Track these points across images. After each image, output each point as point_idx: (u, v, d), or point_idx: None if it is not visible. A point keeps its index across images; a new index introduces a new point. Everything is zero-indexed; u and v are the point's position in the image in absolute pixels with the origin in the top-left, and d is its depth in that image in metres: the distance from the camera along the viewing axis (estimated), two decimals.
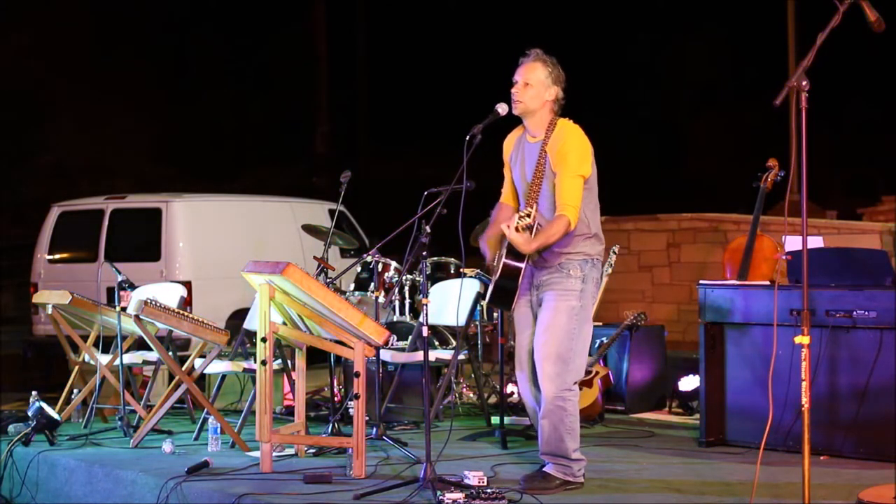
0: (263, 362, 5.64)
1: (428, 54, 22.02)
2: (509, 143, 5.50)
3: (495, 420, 6.91)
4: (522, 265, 5.17)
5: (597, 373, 7.27)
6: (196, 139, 21.62)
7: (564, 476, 5.21)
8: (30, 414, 6.77)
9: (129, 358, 7.36)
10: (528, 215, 5.02)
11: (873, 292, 5.76)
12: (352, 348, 5.61)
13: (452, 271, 7.97)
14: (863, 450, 5.76)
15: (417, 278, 7.61)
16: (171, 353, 7.12)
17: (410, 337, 7.36)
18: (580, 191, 5.18)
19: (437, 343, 7.88)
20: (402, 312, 7.79)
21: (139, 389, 7.82)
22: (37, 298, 7.96)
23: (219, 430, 6.45)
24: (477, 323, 7.86)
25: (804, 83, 4.27)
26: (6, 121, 19.16)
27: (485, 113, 5.36)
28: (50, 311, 7.33)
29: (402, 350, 7.25)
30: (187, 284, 9.01)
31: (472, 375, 7.61)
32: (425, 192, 6.52)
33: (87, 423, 7.25)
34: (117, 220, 10.27)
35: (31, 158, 20.47)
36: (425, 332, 5.37)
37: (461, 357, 7.10)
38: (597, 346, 7.55)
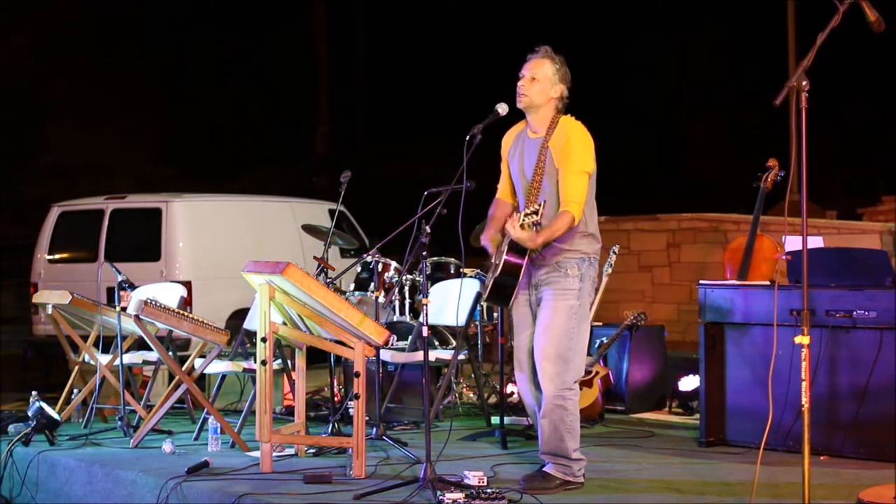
0: (263, 362, 5.64)
1: (428, 54, 22.02)
2: (508, 139, 5.51)
3: (495, 420, 6.91)
4: (523, 262, 5.17)
5: (597, 373, 7.27)
6: (196, 139, 21.62)
7: (564, 476, 5.21)
8: (30, 414, 6.77)
9: (129, 358, 7.36)
10: (536, 212, 5.00)
11: (873, 292, 5.76)
12: (352, 348, 5.61)
13: (452, 271, 7.97)
14: (863, 450, 5.76)
15: (417, 278, 7.61)
16: (171, 353, 7.12)
17: (410, 337, 7.36)
18: (585, 187, 5.19)
19: (437, 343, 7.88)
20: (402, 312, 7.79)
21: (139, 389, 7.81)
22: (37, 298, 7.96)
23: (219, 430, 6.45)
24: (477, 323, 7.86)
25: (804, 83, 4.28)
26: (6, 121, 19.16)
27: (485, 113, 5.36)
28: (50, 311, 7.34)
29: (402, 350, 7.25)
30: (187, 284, 9.01)
31: (472, 375, 7.61)
32: (425, 192, 6.52)
33: (87, 423, 7.26)
34: (117, 220, 10.27)
35: (31, 158, 20.47)
36: (425, 332, 5.38)
37: (461, 357, 7.10)
38: (597, 346, 7.55)
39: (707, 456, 6.10)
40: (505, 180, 5.55)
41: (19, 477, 6.46)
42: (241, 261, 6.10)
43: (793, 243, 6.44)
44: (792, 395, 5.38)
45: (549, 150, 5.22)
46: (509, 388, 7.49)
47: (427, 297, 5.47)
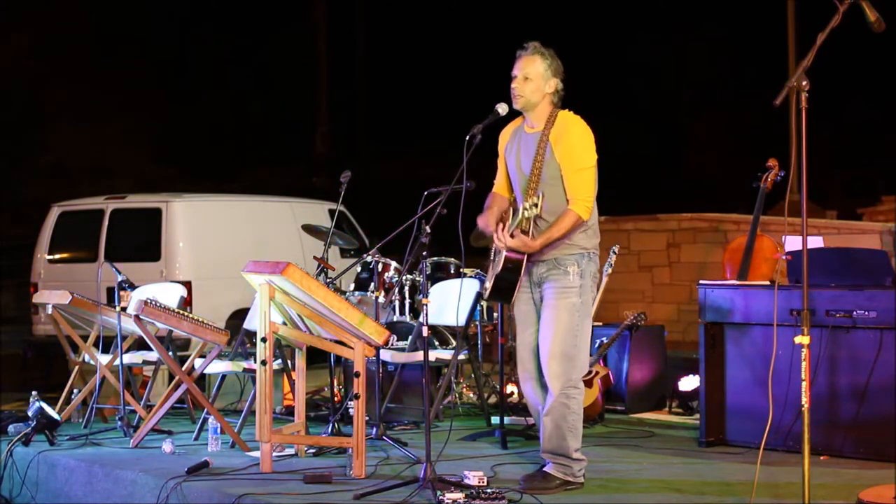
0: (263, 362, 5.64)
1: (428, 54, 22.02)
2: (505, 134, 5.50)
3: (495, 420, 6.91)
4: (524, 258, 5.17)
5: (597, 373, 7.27)
6: (196, 139, 21.62)
7: (565, 476, 5.21)
8: (30, 414, 6.77)
9: (129, 358, 7.36)
10: (535, 205, 4.98)
11: (873, 292, 5.76)
12: (352, 348, 5.61)
13: (452, 271, 7.96)
14: (863, 450, 5.76)
15: (417, 278, 7.62)
16: (171, 353, 7.12)
17: (410, 337, 7.36)
18: (591, 183, 5.19)
19: (437, 343, 7.88)
20: (402, 312, 7.79)
21: (139, 389, 7.82)
22: (37, 298, 7.96)
23: (219, 430, 6.45)
24: (477, 323, 7.86)
25: (804, 83, 4.27)
26: (6, 121, 19.17)
27: (485, 113, 5.36)
28: (50, 311, 7.33)
29: (402, 350, 7.25)
30: (187, 284, 9.01)
31: (472, 375, 7.61)
32: (425, 192, 6.52)
33: (87, 423, 7.26)
34: (117, 220, 10.27)
35: (31, 158, 20.47)
36: (425, 332, 5.38)
37: (461, 357, 7.10)
38: (597, 346, 7.55)
39: (707, 456, 6.10)
40: (501, 175, 5.54)
41: (19, 477, 6.46)
42: (241, 261, 6.10)
43: (793, 243, 6.44)
44: (792, 395, 5.38)
45: (549, 144, 5.21)
46: (509, 388, 7.49)
47: (427, 297, 5.47)
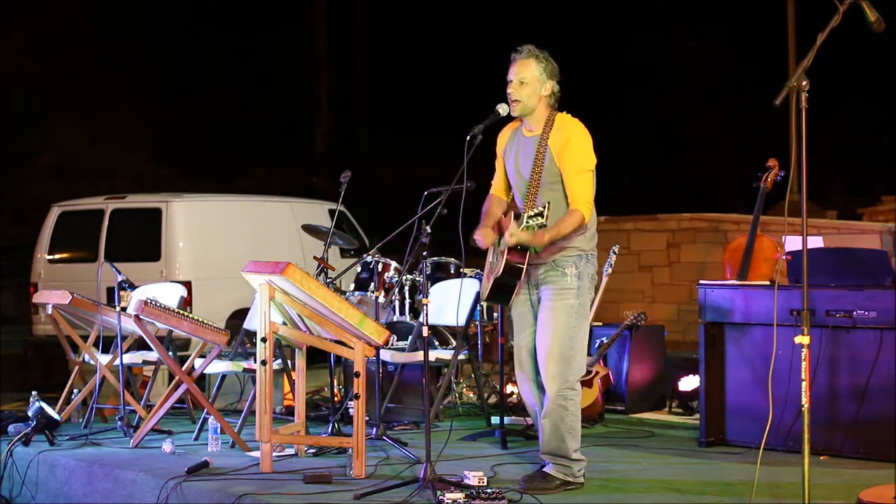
0: (263, 362, 5.64)
1: (428, 54, 22.03)
2: (503, 136, 5.49)
3: (495, 420, 6.91)
4: (524, 262, 5.16)
5: (597, 373, 7.27)
6: (196, 139, 21.63)
7: (564, 476, 5.21)
8: (30, 414, 6.77)
9: (129, 358, 7.36)
10: (541, 214, 4.96)
11: (873, 292, 5.76)
12: (352, 348, 5.61)
13: (452, 271, 7.96)
14: (863, 450, 5.76)
15: (417, 278, 7.62)
16: (171, 353, 7.12)
17: (410, 337, 7.36)
18: (591, 185, 5.19)
19: (437, 343, 7.88)
20: (402, 312, 7.79)
21: (139, 389, 7.82)
22: (37, 298, 7.96)
23: (219, 430, 6.45)
24: (477, 323, 7.86)
25: (804, 83, 4.27)
26: (6, 121, 19.17)
27: (485, 113, 5.36)
28: (50, 311, 7.33)
29: (402, 350, 7.25)
30: (187, 284, 9.01)
31: (472, 375, 7.61)
32: (425, 192, 6.52)
33: (87, 423, 7.25)
34: (117, 220, 10.27)
35: (31, 158, 20.49)
36: (425, 332, 5.38)
37: (461, 357, 7.10)
38: (597, 346, 7.55)
39: (707, 456, 6.10)
40: (500, 177, 5.54)
41: (19, 477, 6.46)
42: (242, 261, 6.10)
43: (793, 243, 6.44)
44: (792, 395, 5.38)
45: (549, 148, 5.21)
46: (509, 388, 7.48)
47: (427, 297, 5.47)
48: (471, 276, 7.47)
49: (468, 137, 5.28)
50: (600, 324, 8.03)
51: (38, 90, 20.32)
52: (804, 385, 4.32)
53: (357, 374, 5.54)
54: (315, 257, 7.00)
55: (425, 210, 6.17)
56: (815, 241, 7.40)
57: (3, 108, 19.07)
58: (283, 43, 22.59)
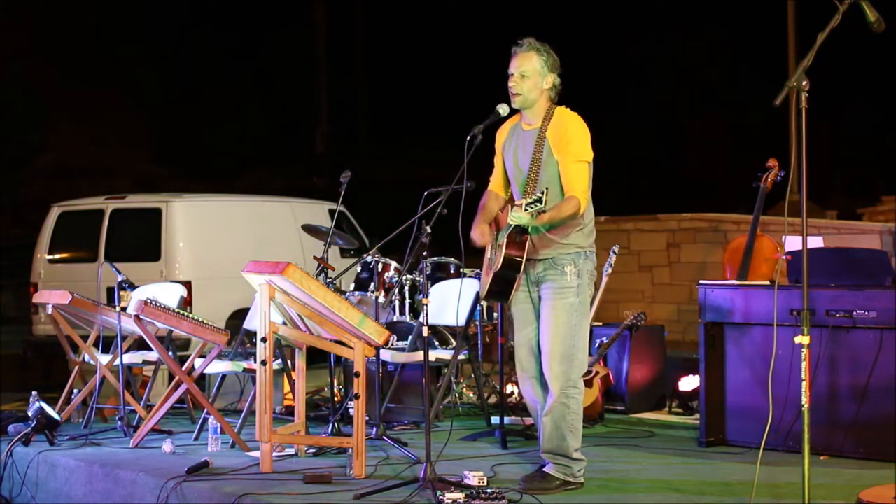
0: (263, 362, 5.64)
1: (428, 54, 22.02)
2: (503, 132, 5.49)
3: (495, 420, 6.91)
4: (523, 256, 5.16)
5: (597, 373, 7.27)
6: (196, 139, 21.63)
7: (564, 476, 5.21)
8: (30, 414, 6.77)
9: (129, 358, 7.36)
10: (540, 200, 4.94)
11: (873, 292, 5.76)
12: (352, 348, 5.61)
13: (452, 271, 7.96)
14: (863, 450, 5.76)
15: (417, 278, 7.62)
16: (171, 353, 7.12)
17: (410, 337, 7.36)
18: (587, 175, 5.18)
19: (437, 343, 7.88)
20: (402, 312, 7.79)
21: (139, 389, 7.82)
22: (37, 298, 7.95)
23: (219, 430, 6.45)
24: (477, 323, 7.86)
25: (804, 83, 4.27)
26: (6, 121, 19.17)
27: (486, 113, 5.36)
28: (50, 311, 7.33)
29: (402, 350, 7.25)
30: (187, 284, 9.01)
31: (472, 375, 7.61)
32: (425, 192, 6.53)
33: (87, 423, 7.26)
34: (117, 220, 10.26)
35: (31, 158, 20.48)
36: (425, 332, 5.38)
37: (461, 357, 7.10)
38: (597, 346, 7.55)
39: (707, 456, 6.10)
40: (498, 173, 5.53)
41: (19, 477, 6.46)
42: (242, 261, 6.10)
43: (793, 243, 6.44)
44: (792, 395, 5.38)
45: (547, 141, 5.20)
46: (509, 388, 7.48)
47: (427, 297, 5.47)
48: (471, 276, 7.47)
49: (468, 137, 5.28)
50: (600, 324, 8.03)
51: (38, 90, 20.32)
52: (804, 385, 4.32)
53: (357, 374, 5.54)
54: (315, 257, 7.00)
55: (425, 210, 6.17)
56: (815, 241, 7.40)
57: (3, 108, 19.06)
58: (283, 43, 22.59)
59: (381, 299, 7.34)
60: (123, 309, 6.84)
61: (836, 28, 4.35)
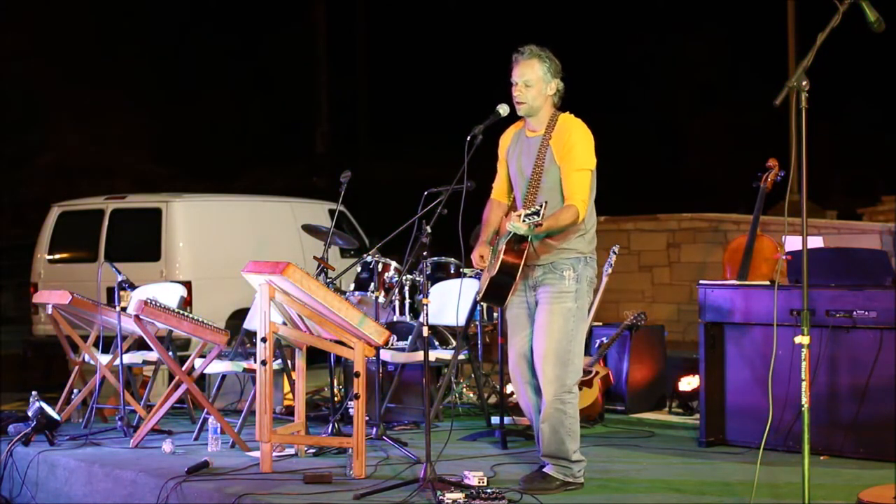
0: (263, 362, 5.64)
1: (428, 54, 22.01)
2: (506, 138, 5.48)
3: (495, 420, 6.91)
4: (521, 262, 5.15)
5: (597, 373, 7.27)
6: (196, 139, 21.62)
7: (564, 477, 5.21)
8: (30, 414, 6.77)
9: (129, 358, 7.36)
10: (538, 213, 4.94)
11: (873, 292, 5.76)
12: (352, 348, 5.61)
13: (452, 271, 7.97)
14: (863, 450, 5.76)
15: (417, 278, 7.62)
16: (171, 353, 7.12)
17: (410, 337, 7.36)
18: (588, 184, 5.17)
19: (437, 343, 7.88)
20: (402, 312, 7.80)
21: (139, 389, 7.82)
22: (37, 298, 7.96)
23: (219, 430, 6.45)
24: (477, 323, 7.87)
25: (804, 83, 4.27)
26: (6, 121, 19.17)
27: (486, 113, 5.36)
28: (50, 311, 7.33)
29: (402, 350, 7.25)
30: (187, 284, 9.01)
31: (472, 375, 7.61)
32: (425, 192, 6.53)
33: (87, 423, 7.26)
34: (117, 220, 10.27)
35: (31, 158, 20.48)
36: (425, 332, 5.37)
37: (461, 357, 7.10)
38: (597, 346, 7.55)
39: (707, 456, 6.10)
40: (501, 180, 5.53)
41: (19, 477, 6.46)
42: (241, 261, 6.10)
43: (793, 243, 6.44)
44: (792, 395, 5.38)
45: (550, 148, 5.20)
46: (509, 388, 7.47)
47: (427, 297, 5.47)
48: (471, 276, 7.47)
49: (468, 138, 5.28)
50: (600, 324, 8.03)
51: (38, 90, 20.31)
52: (804, 385, 4.32)
53: (357, 374, 5.54)
54: (315, 257, 7.00)
55: (425, 210, 6.17)
56: (815, 241, 7.40)
57: (3, 108, 19.06)
58: (283, 43, 22.58)
59: (381, 299, 7.34)
60: (123, 309, 6.84)
61: (836, 28, 4.35)
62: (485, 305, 7.65)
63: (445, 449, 5.69)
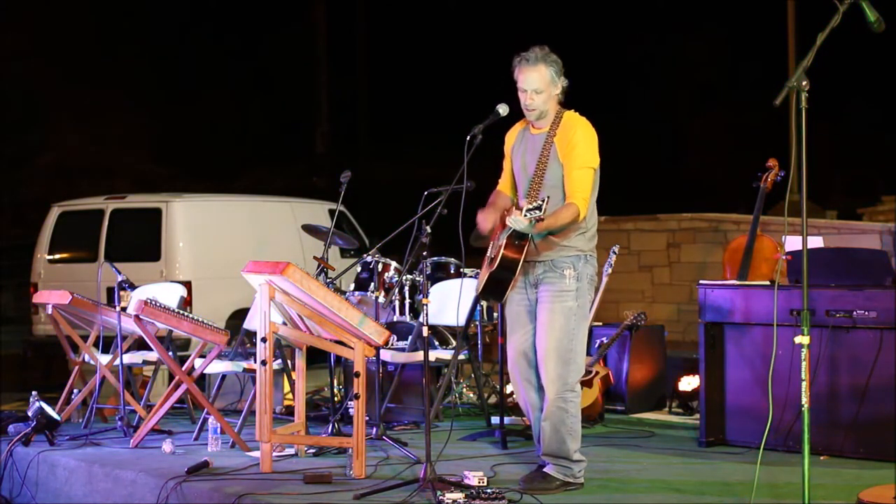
0: (263, 362, 5.64)
1: (428, 54, 22.02)
2: (512, 135, 5.49)
3: (495, 420, 6.91)
4: (520, 257, 5.15)
5: (597, 373, 7.27)
6: (196, 139, 21.62)
7: (564, 477, 5.21)
8: (30, 414, 6.77)
9: (129, 358, 7.36)
10: (539, 208, 4.93)
11: (873, 292, 5.76)
12: (352, 348, 5.61)
13: (452, 271, 7.96)
14: (863, 450, 5.76)
15: (417, 278, 7.62)
16: (171, 353, 7.12)
17: (410, 337, 7.36)
18: (590, 182, 5.17)
19: (437, 343, 7.88)
20: (402, 312, 7.79)
21: (139, 389, 7.82)
22: (37, 298, 7.96)
23: (219, 430, 6.45)
24: (477, 323, 7.87)
25: (804, 83, 4.27)
26: (6, 121, 19.17)
27: (485, 113, 5.36)
28: (50, 311, 7.33)
29: (402, 350, 7.25)
30: (187, 284, 9.01)
31: (472, 375, 7.61)
32: (425, 192, 6.52)
33: (87, 423, 7.26)
34: (117, 220, 10.27)
35: (31, 158, 20.48)
36: (425, 332, 5.37)
37: (461, 357, 7.10)
38: (597, 346, 7.55)
39: (707, 456, 6.10)
40: (506, 176, 5.53)
41: (19, 477, 6.46)
42: (241, 261, 6.10)
43: (793, 243, 6.44)
44: (792, 395, 5.38)
45: (554, 145, 5.21)
46: (509, 388, 7.47)
47: (427, 297, 5.47)
48: (471, 276, 7.46)
49: (468, 137, 5.28)
50: (600, 324, 8.03)
51: (38, 90, 20.32)
52: (804, 385, 4.32)
53: (357, 374, 5.54)
54: (315, 257, 7.00)
55: (425, 210, 6.17)
56: (815, 241, 7.40)
57: (3, 108, 19.06)
58: (283, 43, 22.58)
59: (381, 299, 7.34)
60: (123, 309, 6.84)
61: (836, 28, 4.35)
62: (485, 305, 7.65)
63: (445, 449, 5.69)
